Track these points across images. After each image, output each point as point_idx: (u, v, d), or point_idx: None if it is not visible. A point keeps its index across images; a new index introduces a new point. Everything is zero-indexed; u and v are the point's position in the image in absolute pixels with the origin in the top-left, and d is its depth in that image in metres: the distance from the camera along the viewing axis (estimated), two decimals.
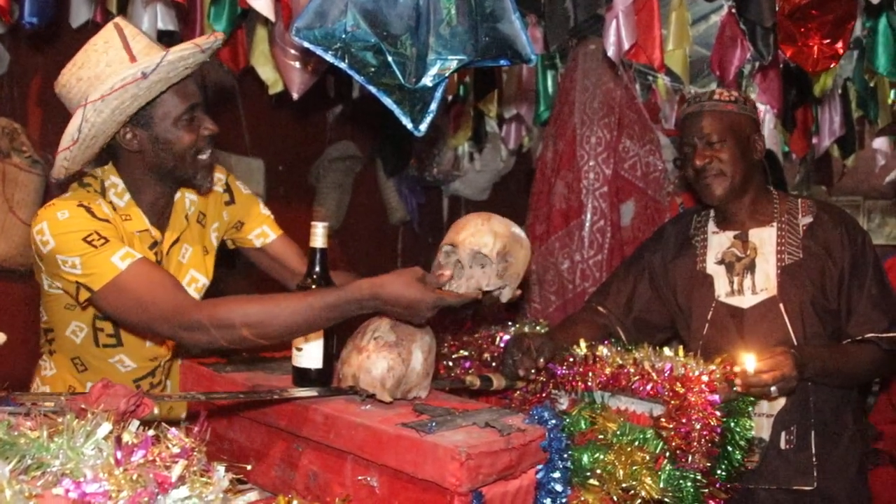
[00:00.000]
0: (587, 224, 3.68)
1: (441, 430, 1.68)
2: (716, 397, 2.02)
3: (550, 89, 4.68)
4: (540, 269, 3.88)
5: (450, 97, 4.69)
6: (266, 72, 3.94)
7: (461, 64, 2.02)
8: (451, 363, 2.59)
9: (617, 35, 3.37)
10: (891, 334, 2.53)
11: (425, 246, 6.19)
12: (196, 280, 2.37)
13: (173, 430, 1.16)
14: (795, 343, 2.51)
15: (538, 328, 2.67)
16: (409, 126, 2.01)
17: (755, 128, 2.68)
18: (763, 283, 2.60)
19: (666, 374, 2.10)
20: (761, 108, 6.36)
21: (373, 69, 1.99)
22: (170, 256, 2.30)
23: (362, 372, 1.87)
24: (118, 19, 2.07)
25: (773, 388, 2.27)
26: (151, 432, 1.12)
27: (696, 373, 2.09)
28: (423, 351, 1.91)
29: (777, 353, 2.30)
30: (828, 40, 3.19)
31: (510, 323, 2.71)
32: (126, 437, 1.07)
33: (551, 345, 2.35)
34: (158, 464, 1.03)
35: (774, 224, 2.64)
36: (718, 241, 2.72)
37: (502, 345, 2.57)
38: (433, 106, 2.02)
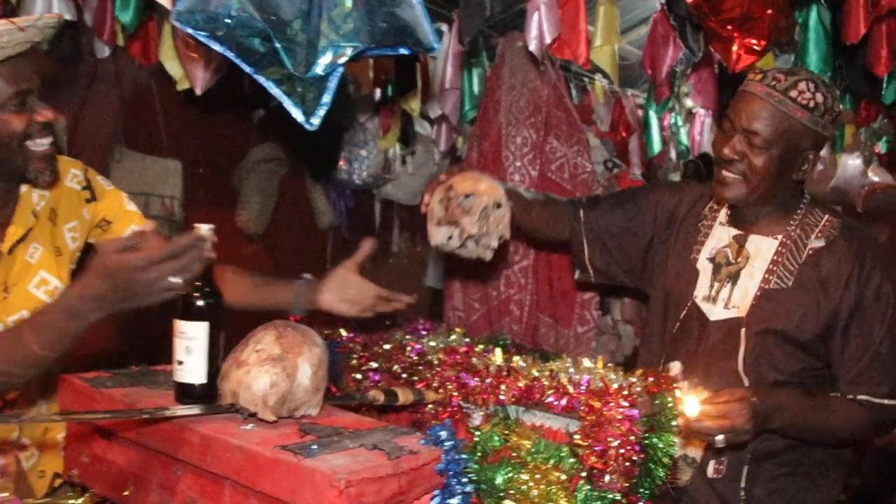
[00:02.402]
0: None
1: (323, 454, 1.53)
2: (635, 412, 1.88)
3: (476, 88, 4.56)
4: (463, 276, 3.75)
5: (377, 94, 4.56)
6: (173, 67, 3.76)
7: (356, 52, 1.86)
8: (359, 375, 2.43)
9: (539, 29, 3.25)
10: (886, 402, 2.27)
11: (355, 251, 6.02)
12: (46, 282, 2.20)
13: None
14: (743, 376, 2.30)
15: (454, 337, 2.51)
16: (301, 119, 1.85)
17: (815, 146, 2.29)
18: (738, 299, 2.35)
19: (583, 388, 1.97)
20: (700, 111, 6.33)
21: (260, 57, 1.83)
22: (14, 256, 2.13)
23: (242, 388, 1.70)
24: None
25: (719, 438, 2.07)
26: None
27: (616, 386, 1.95)
28: (312, 364, 1.75)
29: (734, 398, 2.07)
30: (743, 34, 3.09)
31: (424, 332, 2.55)
32: None
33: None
34: None
35: (779, 237, 2.34)
36: (719, 236, 2.45)
37: (414, 356, 2.41)
38: (326, 98, 1.86)
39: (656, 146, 6.20)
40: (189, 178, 4.69)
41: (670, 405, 1.99)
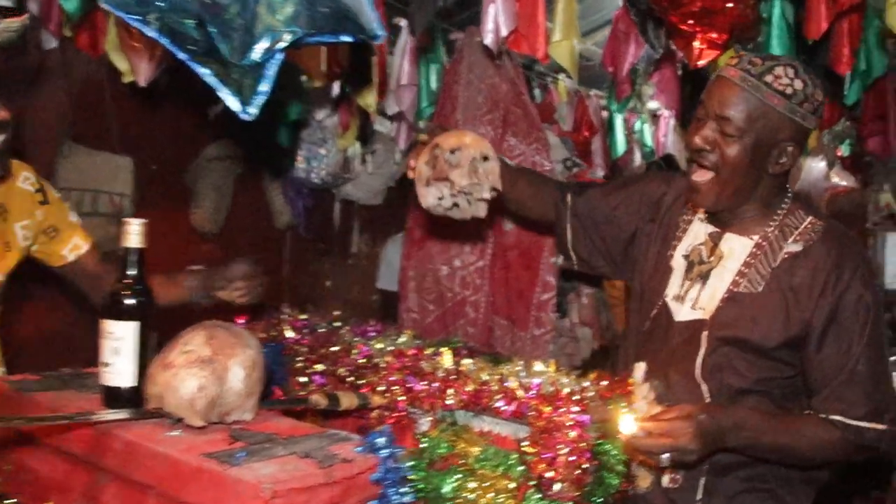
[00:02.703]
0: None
1: (250, 462, 1.44)
2: (586, 418, 1.80)
3: (433, 84, 4.47)
4: (418, 276, 3.67)
5: (335, 90, 4.46)
6: (118, 59, 3.66)
7: (296, 37, 1.77)
8: (305, 379, 2.34)
9: (495, 22, 3.18)
10: (863, 424, 2.07)
11: (313, 251, 5.94)
12: None
13: None
14: (701, 381, 2.17)
15: (403, 339, 2.41)
16: (237, 108, 1.76)
17: (796, 138, 2.10)
18: (705, 301, 2.19)
19: (532, 393, 1.88)
20: (664, 112, 6.29)
21: (194, 43, 1.74)
22: None
23: (169, 392, 1.61)
24: None
25: (664, 457, 1.93)
26: None
27: (567, 390, 1.87)
28: (245, 367, 1.66)
29: (681, 415, 1.93)
30: (704, 28, 3.03)
31: (373, 334, 2.46)
32: None
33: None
34: None
35: (756, 238, 2.18)
36: (696, 232, 2.29)
37: (361, 359, 2.32)
38: (264, 87, 1.76)
39: (620, 147, 6.17)
40: (141, 175, 4.55)
41: (624, 411, 1.91)
